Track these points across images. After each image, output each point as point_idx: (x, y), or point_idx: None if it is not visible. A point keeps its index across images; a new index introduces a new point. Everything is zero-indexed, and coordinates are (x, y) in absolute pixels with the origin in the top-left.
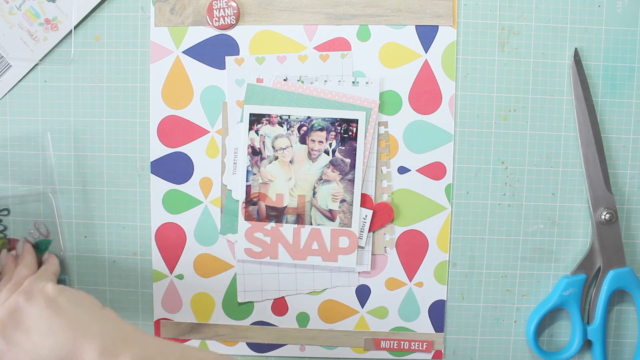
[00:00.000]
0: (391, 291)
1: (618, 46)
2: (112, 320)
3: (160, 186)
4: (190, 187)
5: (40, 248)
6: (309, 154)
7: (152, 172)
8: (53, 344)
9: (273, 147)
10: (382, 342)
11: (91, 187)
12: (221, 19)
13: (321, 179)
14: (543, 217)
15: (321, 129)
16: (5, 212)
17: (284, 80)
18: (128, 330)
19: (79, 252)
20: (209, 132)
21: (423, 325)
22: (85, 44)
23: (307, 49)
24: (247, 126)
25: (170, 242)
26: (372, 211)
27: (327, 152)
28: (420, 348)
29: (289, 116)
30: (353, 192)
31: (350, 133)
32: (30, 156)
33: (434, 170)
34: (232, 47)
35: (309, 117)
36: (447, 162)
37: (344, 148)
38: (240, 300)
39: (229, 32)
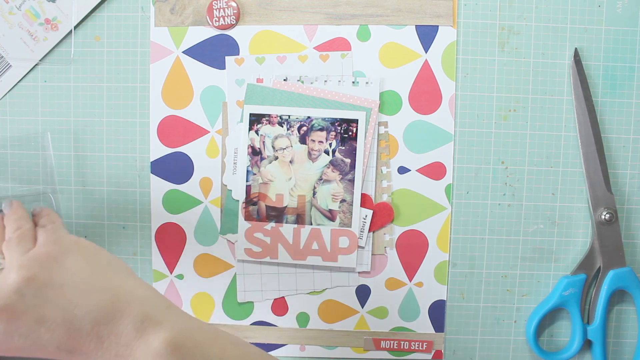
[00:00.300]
0: (391, 291)
1: (618, 46)
2: (150, 289)
3: (160, 186)
4: (190, 187)
5: None
6: (309, 154)
7: (152, 172)
8: (90, 304)
9: (273, 147)
10: (382, 342)
11: (91, 187)
12: (221, 19)
13: (321, 179)
14: (543, 217)
15: (321, 129)
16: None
17: (284, 80)
18: (167, 301)
19: None
20: (209, 132)
21: (423, 325)
22: (85, 44)
23: (307, 49)
24: (247, 126)
25: (170, 242)
26: (372, 211)
27: (327, 152)
28: (420, 348)
29: (289, 116)
30: (353, 192)
31: (350, 133)
32: (30, 156)
33: (434, 170)
34: (232, 47)
35: (309, 117)
36: (447, 162)
37: (344, 148)
38: (240, 300)
39: (229, 32)
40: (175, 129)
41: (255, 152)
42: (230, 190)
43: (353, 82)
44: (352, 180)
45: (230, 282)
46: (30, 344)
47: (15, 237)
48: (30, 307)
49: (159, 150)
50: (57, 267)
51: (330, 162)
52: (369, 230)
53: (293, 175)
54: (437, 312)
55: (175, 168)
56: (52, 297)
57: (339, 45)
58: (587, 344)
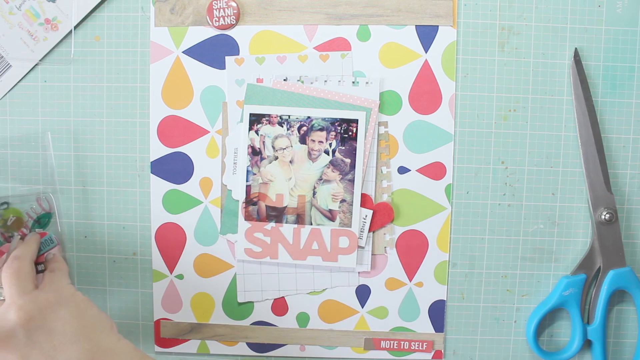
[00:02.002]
0: (391, 291)
1: (618, 46)
2: (128, 345)
3: (160, 186)
4: (190, 187)
5: (42, 223)
6: (309, 154)
7: (152, 172)
8: (72, 352)
9: (273, 147)
10: (382, 342)
11: (91, 187)
12: (221, 19)
13: (321, 179)
14: (543, 217)
15: (321, 129)
16: (4, 206)
17: (284, 80)
18: (144, 357)
19: (79, 252)
20: (209, 132)
21: (423, 325)
22: (85, 44)
23: (307, 49)
24: (247, 126)
25: (170, 242)
26: (372, 211)
27: (327, 152)
28: (420, 348)
29: (289, 116)
30: (353, 192)
31: (350, 133)
32: (30, 156)
33: (434, 170)
34: (232, 47)
35: (309, 117)
36: (447, 162)
37: (344, 148)
38: (240, 300)
39: (229, 32)
40: (175, 129)
41: (255, 152)
42: (230, 190)
43: (353, 82)
44: (352, 180)
45: (230, 282)
46: None
47: (16, 272)
48: (20, 345)
49: (159, 150)
50: (52, 315)
51: (330, 162)
52: (369, 230)
53: (293, 175)
54: (437, 312)
55: (175, 168)
56: (41, 340)
57: (339, 45)
58: (587, 344)
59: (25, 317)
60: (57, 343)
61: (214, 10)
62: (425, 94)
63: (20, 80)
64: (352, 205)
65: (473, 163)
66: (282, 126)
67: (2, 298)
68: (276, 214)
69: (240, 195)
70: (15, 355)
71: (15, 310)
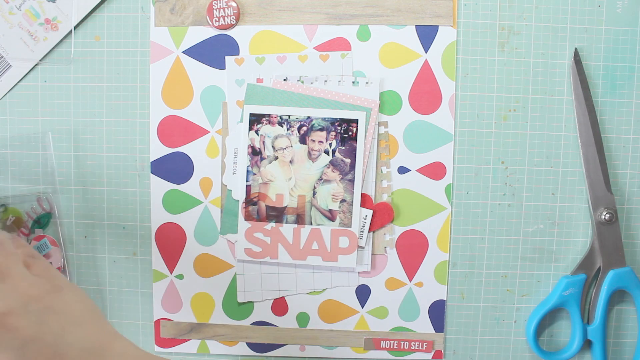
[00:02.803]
0: (391, 291)
1: (618, 46)
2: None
3: (160, 186)
4: (190, 187)
5: (42, 223)
6: (309, 154)
7: (152, 172)
8: (81, 334)
9: (273, 147)
10: (382, 342)
11: (91, 187)
12: (221, 19)
13: (321, 179)
14: (543, 217)
15: (321, 129)
16: (1, 209)
17: (284, 80)
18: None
19: (78, 252)
20: (209, 132)
21: (423, 325)
22: (85, 44)
23: (307, 49)
24: (247, 126)
25: (170, 242)
26: (372, 211)
27: (327, 152)
28: (420, 348)
29: (289, 116)
30: (353, 192)
31: (350, 133)
32: (31, 156)
33: (434, 170)
34: (232, 47)
35: (309, 117)
36: (447, 162)
37: (344, 148)
38: (240, 300)
39: (229, 32)
40: (175, 129)
41: (255, 152)
42: (230, 190)
43: (353, 82)
44: (352, 180)
45: (230, 282)
46: None
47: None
48: (30, 323)
49: (159, 150)
50: (58, 297)
51: (330, 162)
52: (369, 230)
53: (293, 175)
54: (437, 312)
55: (175, 168)
56: (49, 321)
57: (339, 45)
58: (587, 344)
59: (36, 294)
60: (64, 324)
61: (214, 10)
62: (425, 94)
63: (20, 80)
64: (352, 205)
65: (473, 163)
66: (282, 126)
67: None
68: (276, 214)
69: (240, 195)
70: (25, 334)
71: (26, 288)
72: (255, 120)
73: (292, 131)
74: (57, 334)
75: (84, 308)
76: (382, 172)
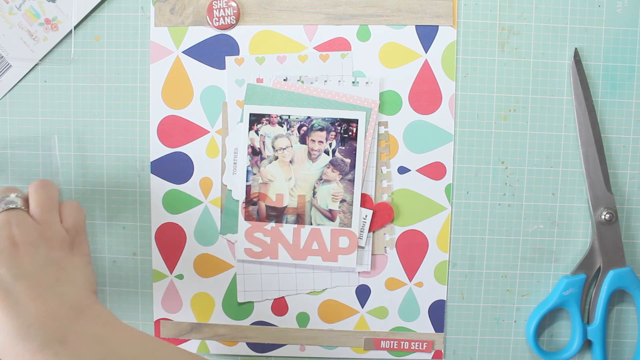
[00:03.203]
0: (391, 291)
1: (618, 46)
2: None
3: (160, 186)
4: (190, 187)
5: None
6: (309, 154)
7: (152, 172)
8: (69, 290)
9: (273, 147)
10: (382, 342)
11: (91, 187)
12: (221, 19)
13: (321, 179)
14: (543, 217)
15: (321, 129)
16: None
17: (284, 80)
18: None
19: None
20: (209, 132)
21: (423, 325)
22: (85, 44)
23: (307, 49)
24: (247, 126)
25: (170, 242)
26: (372, 211)
27: (327, 152)
28: (420, 348)
29: (289, 116)
30: (353, 192)
31: (350, 133)
32: (31, 156)
33: (434, 170)
34: (232, 47)
35: (309, 117)
36: (447, 162)
37: (344, 148)
38: (240, 300)
39: (229, 32)
40: (175, 129)
41: (255, 152)
42: (230, 190)
43: (353, 82)
44: (352, 180)
45: (230, 282)
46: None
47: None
48: (33, 261)
49: (159, 150)
50: (69, 256)
51: (330, 162)
52: (369, 230)
53: (293, 175)
54: (437, 312)
55: (175, 168)
56: (50, 268)
57: (339, 45)
58: (587, 344)
59: (48, 244)
60: (61, 277)
61: (214, 10)
62: (425, 94)
63: (20, 80)
64: (352, 205)
65: (473, 163)
66: (282, 126)
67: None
68: (276, 214)
69: (240, 195)
70: (26, 268)
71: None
72: (255, 120)
73: (292, 131)
74: (51, 280)
75: (82, 275)
76: (382, 172)
